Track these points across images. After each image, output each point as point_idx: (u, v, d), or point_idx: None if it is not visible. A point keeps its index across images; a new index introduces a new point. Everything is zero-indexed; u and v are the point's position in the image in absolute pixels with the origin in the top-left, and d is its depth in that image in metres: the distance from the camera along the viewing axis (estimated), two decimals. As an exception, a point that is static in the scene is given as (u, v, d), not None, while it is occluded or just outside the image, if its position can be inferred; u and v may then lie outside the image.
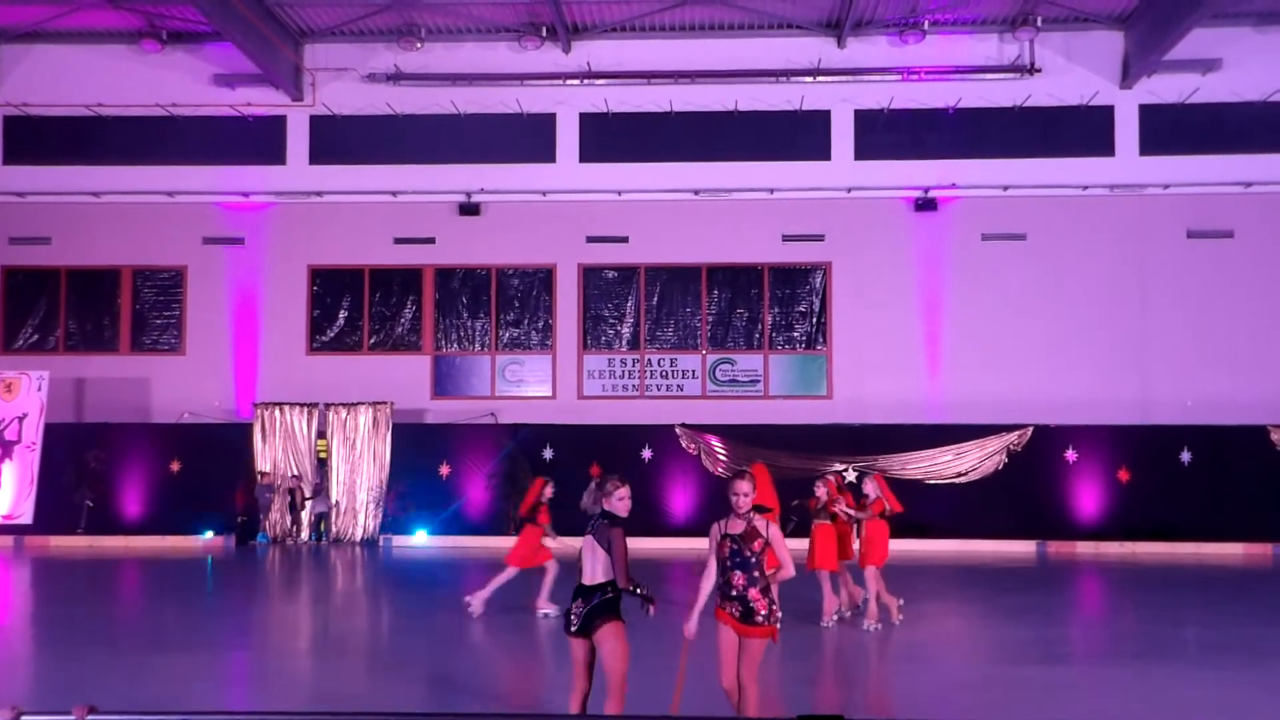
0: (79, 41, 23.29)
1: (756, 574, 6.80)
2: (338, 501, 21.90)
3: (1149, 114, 22.46)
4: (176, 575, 17.42)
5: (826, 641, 11.40)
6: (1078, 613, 14.85)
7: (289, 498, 21.76)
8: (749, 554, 6.81)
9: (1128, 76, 22.26)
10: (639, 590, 6.74)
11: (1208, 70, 22.06)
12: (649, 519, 21.42)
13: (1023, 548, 20.48)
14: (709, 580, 6.97)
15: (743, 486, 6.91)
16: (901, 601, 12.36)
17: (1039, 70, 22.33)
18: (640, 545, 20.40)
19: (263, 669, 10.43)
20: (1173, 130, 22.32)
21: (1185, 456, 21.30)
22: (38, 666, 10.40)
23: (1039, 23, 21.94)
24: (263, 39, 21.59)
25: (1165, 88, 22.26)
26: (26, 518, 21.14)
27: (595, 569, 6.90)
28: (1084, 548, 20.82)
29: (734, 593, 6.83)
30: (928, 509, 20.72)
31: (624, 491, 7.04)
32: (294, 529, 21.79)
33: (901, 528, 19.83)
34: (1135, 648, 11.32)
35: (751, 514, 6.92)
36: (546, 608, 13.02)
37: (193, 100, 23.11)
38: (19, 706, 3.97)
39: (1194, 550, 20.31)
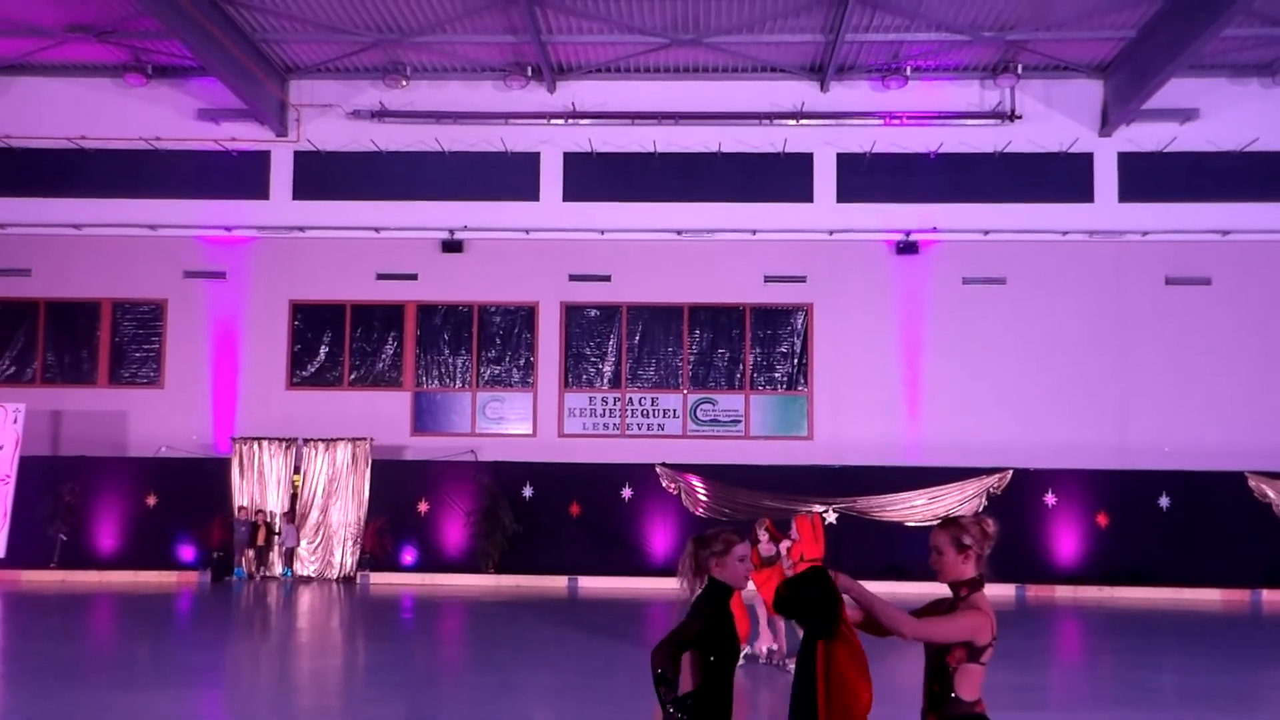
0: (63, 74, 23.29)
1: (937, 688, 4.47)
2: (306, 537, 21.72)
3: (1128, 161, 22.70)
4: (149, 611, 17.23)
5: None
6: (1055, 658, 14.82)
7: (254, 532, 21.53)
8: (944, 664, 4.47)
9: (1107, 124, 22.51)
10: (670, 709, 4.40)
11: (1186, 119, 22.32)
12: (629, 559, 21.37)
13: (1001, 591, 20.44)
14: None
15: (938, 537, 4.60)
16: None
17: (1019, 117, 22.56)
18: (620, 585, 20.45)
19: (235, 707, 10.31)
20: (1151, 178, 22.55)
21: (1164, 501, 21.36)
22: (6, 702, 10.25)
23: (1020, 70, 22.20)
24: (248, 74, 21.64)
25: (1144, 136, 22.51)
26: (-2, 551, 20.89)
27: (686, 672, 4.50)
28: (1063, 592, 20.81)
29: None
30: (907, 551, 20.68)
31: (743, 549, 4.68)
32: (264, 565, 21.59)
33: (881, 570, 19.82)
34: (1113, 694, 11.30)
35: (962, 591, 4.54)
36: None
37: (176, 134, 23.11)
38: None
39: (1172, 595, 20.33)
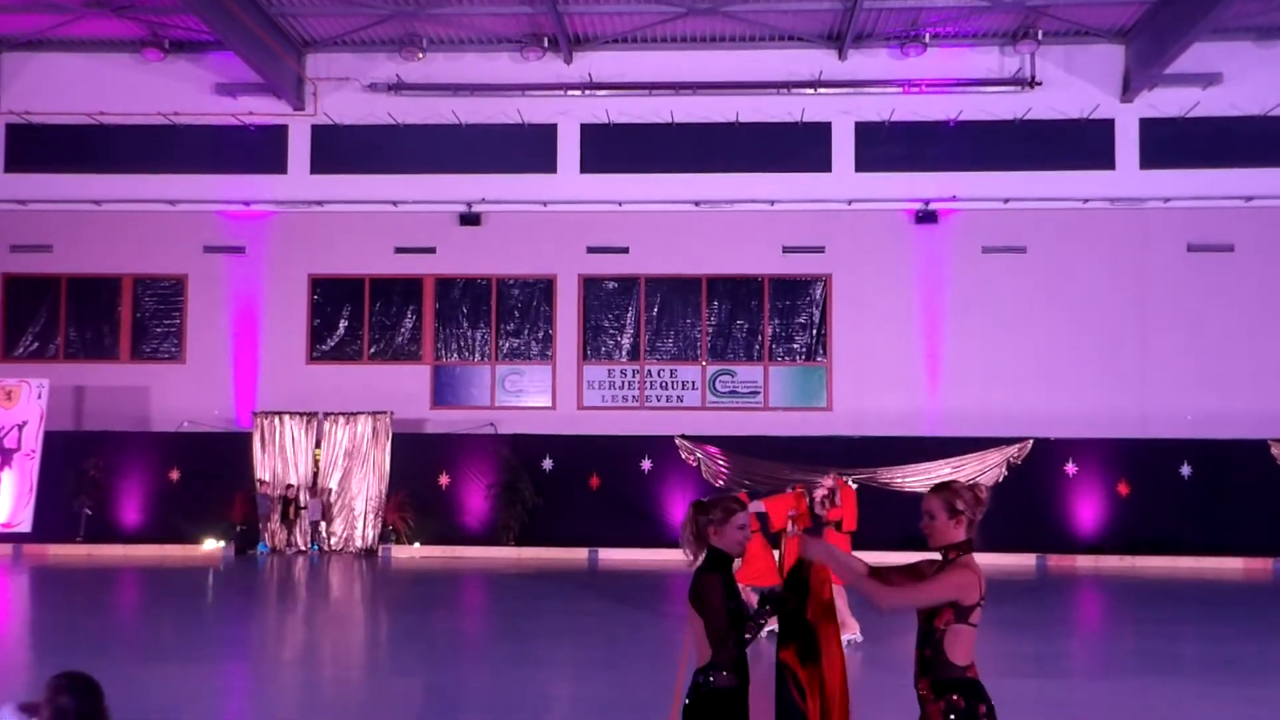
0: (82, 50, 23.32)
1: (928, 653, 4.40)
2: (329, 509, 21.83)
3: (1149, 127, 22.48)
4: (175, 584, 17.39)
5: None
6: (1077, 627, 14.82)
7: (283, 506, 21.70)
8: (932, 627, 4.42)
9: (1128, 90, 22.28)
10: (758, 621, 4.57)
11: (1208, 84, 22.07)
12: (648, 531, 21.38)
13: (1022, 561, 20.43)
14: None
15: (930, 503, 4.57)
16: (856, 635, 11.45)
17: (1039, 83, 22.34)
18: (640, 557, 20.50)
19: (260, 679, 10.41)
20: (1173, 144, 22.33)
21: (1185, 470, 21.27)
22: (34, 675, 10.37)
23: (1040, 36, 21.98)
24: (265, 48, 21.63)
25: (1166, 101, 22.28)
26: (25, 526, 21.10)
27: (697, 643, 4.56)
28: (1084, 561, 20.78)
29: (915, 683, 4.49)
30: (927, 521, 20.61)
31: (743, 518, 4.65)
32: (289, 538, 21.71)
33: (901, 540, 19.78)
34: (1134, 663, 11.29)
35: (950, 554, 4.48)
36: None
37: (194, 109, 23.12)
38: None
39: (1193, 564, 20.26)
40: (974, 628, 4.36)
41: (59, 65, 23.38)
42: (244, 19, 20.63)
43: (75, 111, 22.98)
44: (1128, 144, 22.53)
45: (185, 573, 18.70)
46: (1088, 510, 21.42)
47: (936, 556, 4.55)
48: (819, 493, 12.10)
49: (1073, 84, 22.49)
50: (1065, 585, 18.22)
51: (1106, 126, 22.56)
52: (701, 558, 4.65)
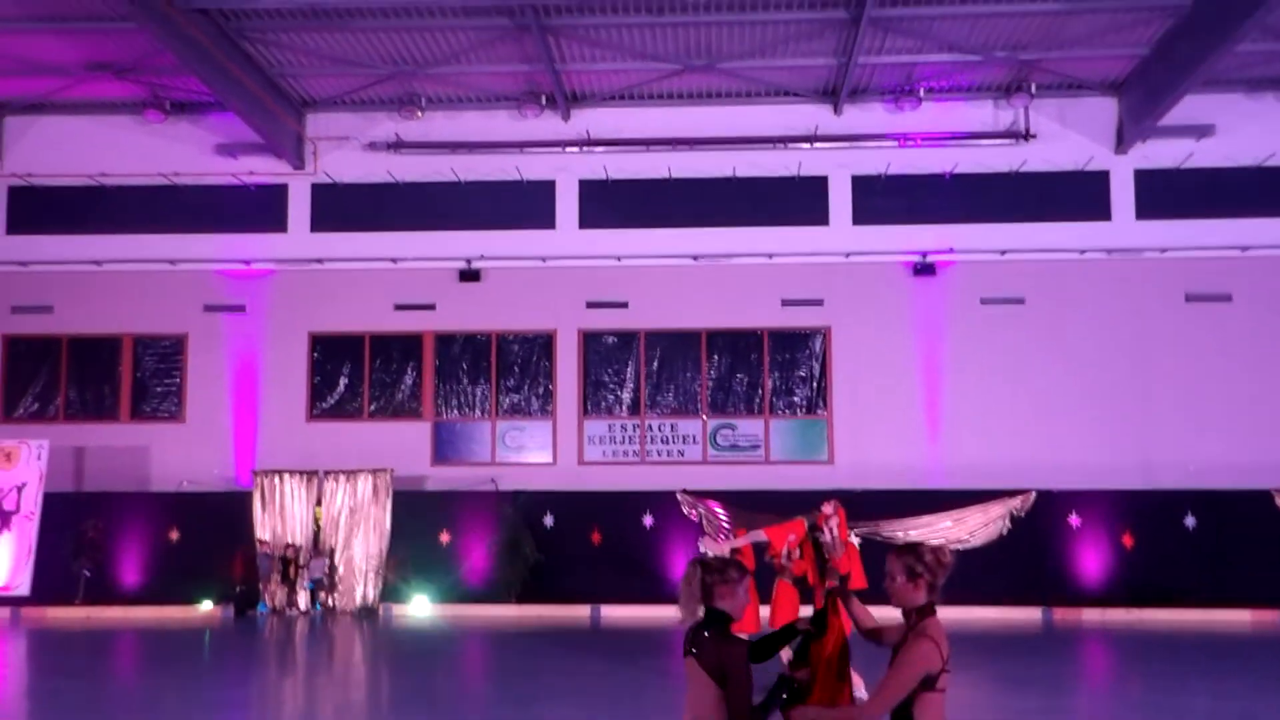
0: (83, 112, 23.51)
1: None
2: (333, 569, 21.68)
3: (1144, 179, 22.61)
4: (175, 646, 17.23)
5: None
6: (1084, 681, 14.66)
7: (283, 566, 21.54)
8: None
9: (1122, 142, 22.45)
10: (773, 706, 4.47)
11: (1202, 135, 22.23)
12: (651, 587, 21.21)
13: (1028, 614, 20.27)
14: None
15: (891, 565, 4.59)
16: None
17: (1034, 136, 22.51)
18: (642, 614, 20.33)
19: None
20: (1169, 195, 22.45)
21: (1189, 521, 21.15)
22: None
23: (1033, 89, 22.15)
24: (265, 109, 21.81)
25: (1160, 153, 22.42)
26: (24, 588, 20.95)
27: (699, 711, 4.40)
28: (1090, 614, 20.59)
29: None
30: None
31: (748, 581, 4.56)
32: (290, 598, 21.53)
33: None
34: (1142, 718, 11.15)
35: (915, 617, 4.52)
36: None
37: (195, 169, 23.28)
38: None
39: (1201, 616, 20.08)
40: (941, 693, 4.36)
41: (61, 128, 23.57)
42: (244, 80, 20.82)
43: (77, 173, 23.14)
44: (1123, 195, 22.65)
45: (184, 634, 18.54)
46: (1092, 562, 21.27)
47: (899, 617, 4.63)
48: (828, 523, 11.76)
49: (1067, 136, 22.66)
50: (1071, 639, 18.05)
51: (1102, 178, 22.70)
52: (699, 616, 4.59)
